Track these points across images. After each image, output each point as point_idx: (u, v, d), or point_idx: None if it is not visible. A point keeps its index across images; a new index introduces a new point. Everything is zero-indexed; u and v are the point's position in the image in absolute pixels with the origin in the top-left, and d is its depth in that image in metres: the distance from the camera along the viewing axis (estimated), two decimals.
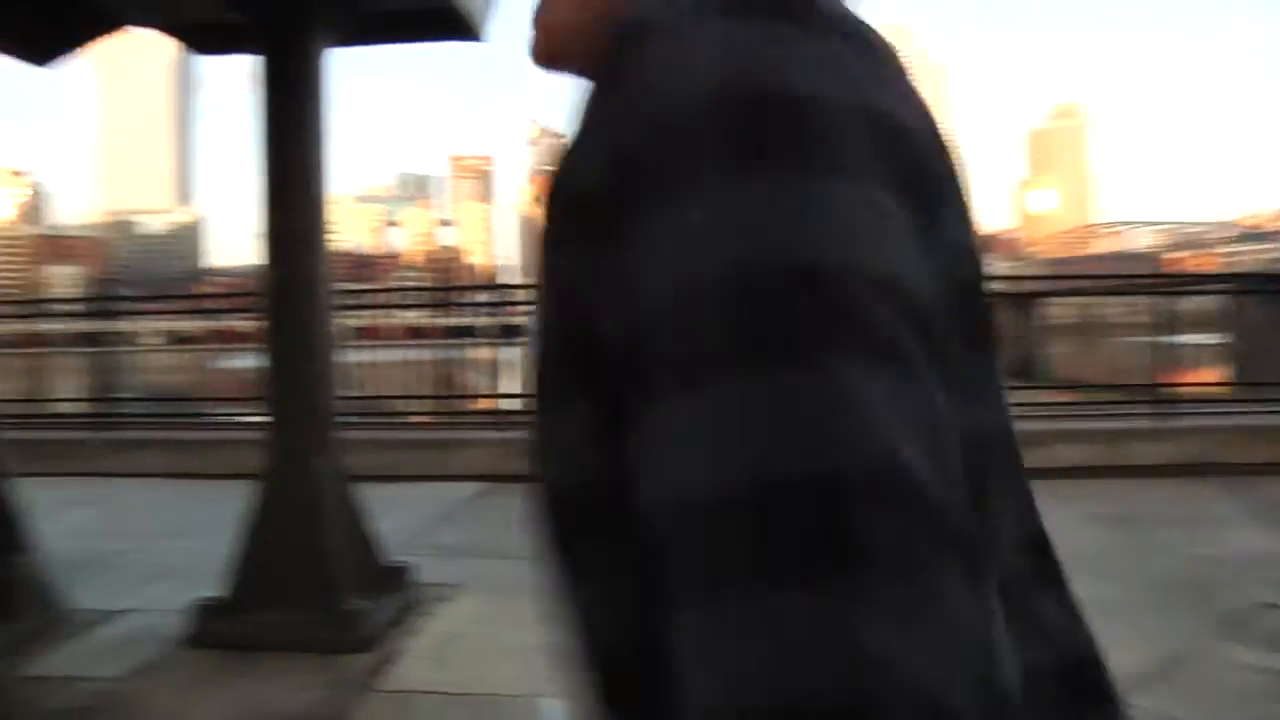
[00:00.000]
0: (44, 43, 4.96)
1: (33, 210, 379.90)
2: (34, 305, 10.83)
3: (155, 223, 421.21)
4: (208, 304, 11.06)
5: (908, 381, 0.43)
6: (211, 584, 4.45)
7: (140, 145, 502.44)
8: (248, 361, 10.95)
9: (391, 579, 4.69)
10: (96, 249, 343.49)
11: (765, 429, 0.41)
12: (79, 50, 5.26)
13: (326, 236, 4.52)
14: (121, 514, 7.45)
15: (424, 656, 4.21)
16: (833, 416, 0.41)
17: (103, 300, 9.85)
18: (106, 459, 9.36)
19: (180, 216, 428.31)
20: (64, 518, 6.93)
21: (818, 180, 0.45)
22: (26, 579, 4.45)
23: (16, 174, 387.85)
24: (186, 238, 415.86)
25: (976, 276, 0.55)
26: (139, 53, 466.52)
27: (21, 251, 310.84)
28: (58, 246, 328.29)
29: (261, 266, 4.32)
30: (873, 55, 0.52)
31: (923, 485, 0.41)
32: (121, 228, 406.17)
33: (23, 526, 4.57)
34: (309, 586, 4.22)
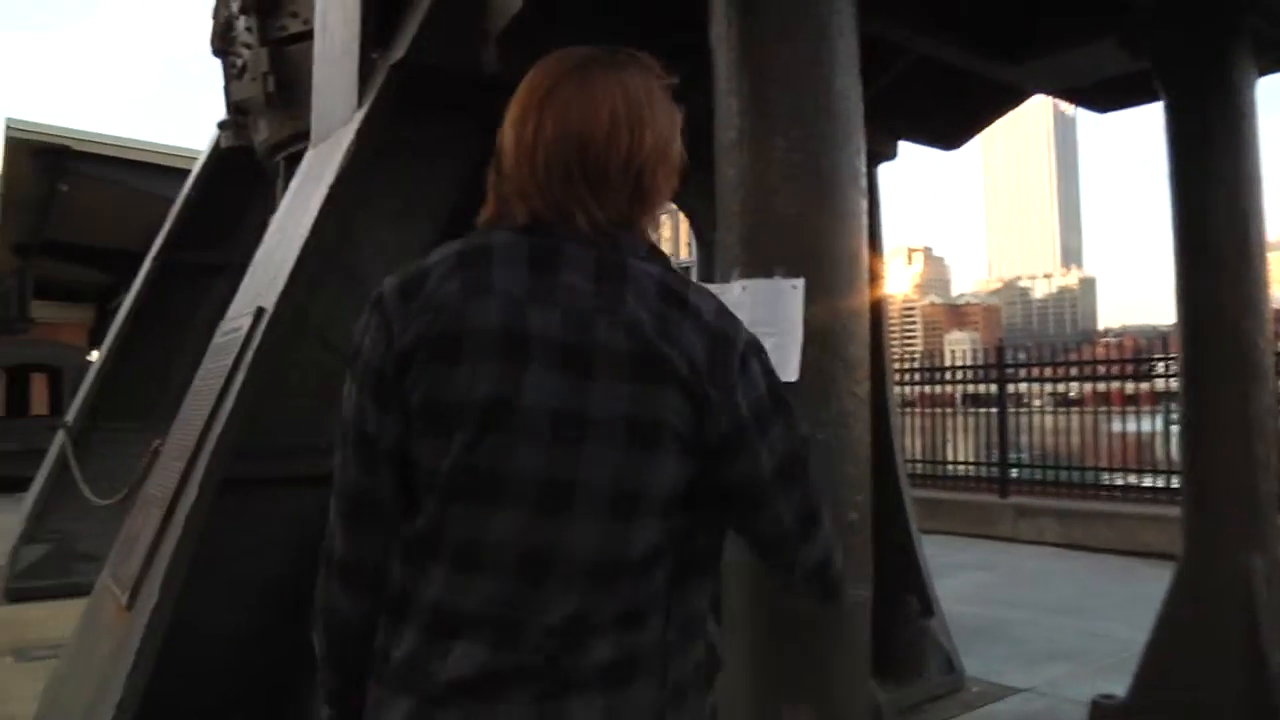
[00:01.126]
0: (954, 128, 5.22)
1: (932, 282, 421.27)
2: (934, 371, 11.80)
3: (1042, 287, 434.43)
4: (1099, 368, 10.57)
5: (344, 446, 1.28)
6: (1107, 674, 4.08)
7: (1025, 213, 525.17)
8: (1137, 427, 10.31)
9: None
10: (989, 315, 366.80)
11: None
12: (982, 129, 5.44)
13: (1269, 296, 3.86)
14: (1015, 582, 7.46)
15: None
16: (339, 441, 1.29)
17: (996, 366, 10.22)
18: (1003, 523, 9.56)
19: (1066, 280, 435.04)
20: (961, 579, 7.18)
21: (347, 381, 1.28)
22: (933, 642, 4.59)
23: (913, 250, 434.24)
24: (1073, 300, 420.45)
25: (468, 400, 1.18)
26: (1019, 123, 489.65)
27: (922, 320, 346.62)
28: (954, 314, 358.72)
29: (1183, 330, 3.84)
30: (422, 297, 1.23)
31: (352, 455, 1.27)
32: (1011, 293, 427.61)
33: (932, 589, 4.74)
34: (1234, 703, 3.58)
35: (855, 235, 2.40)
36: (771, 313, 2.23)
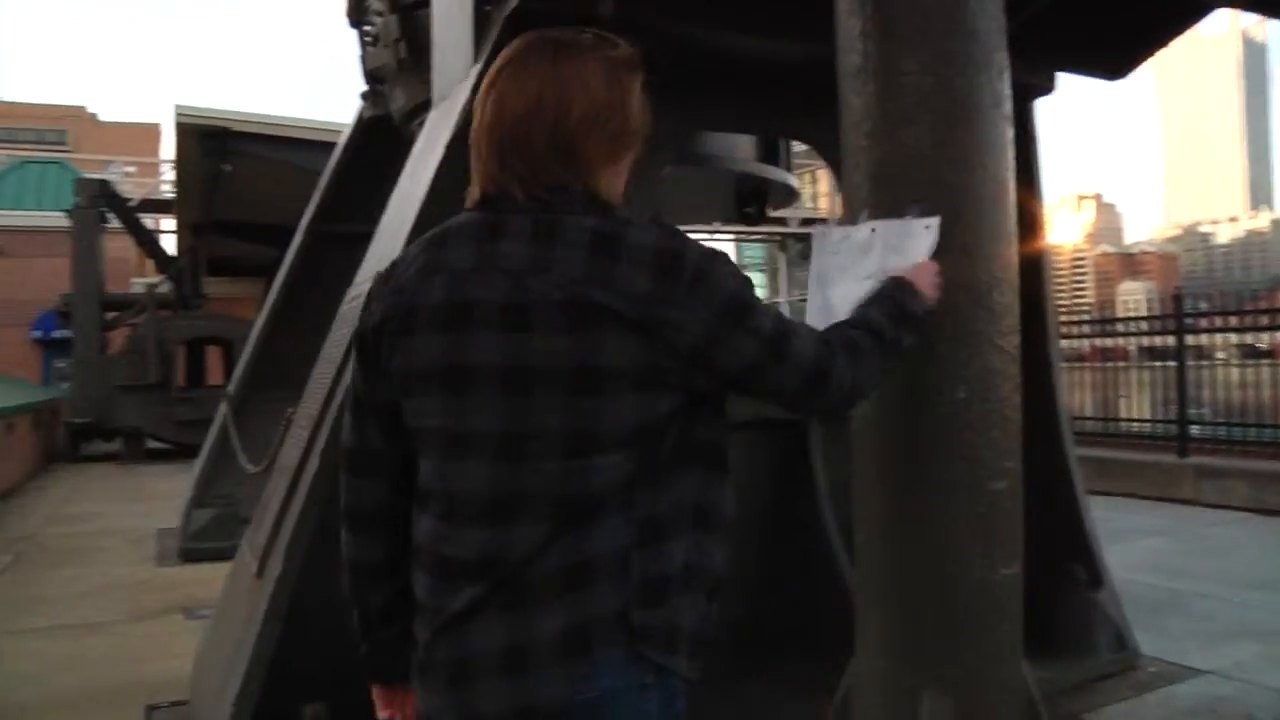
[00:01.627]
0: (1119, 54, 4.72)
1: (1103, 231, 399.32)
2: (1105, 324, 11.06)
3: (1226, 231, 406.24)
4: None
5: (345, 408, 1.53)
6: None
7: (1207, 152, 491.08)
8: None
9: None
10: (1165, 263, 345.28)
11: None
12: (1150, 54, 4.92)
13: None
14: (1198, 550, 6.88)
15: None
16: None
17: (1174, 316, 9.44)
18: (1183, 484, 8.90)
19: (1254, 223, 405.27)
20: (1135, 546, 6.69)
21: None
22: (1102, 615, 4.23)
23: (1083, 198, 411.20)
24: (1263, 244, 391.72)
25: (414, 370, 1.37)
26: (1200, 52, 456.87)
27: (1093, 271, 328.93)
28: (1127, 264, 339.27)
29: None
30: (397, 280, 1.42)
31: (348, 415, 1.51)
32: (1191, 239, 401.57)
33: (1101, 558, 4.37)
34: None
35: (999, 168, 2.12)
36: (904, 256, 1.99)
